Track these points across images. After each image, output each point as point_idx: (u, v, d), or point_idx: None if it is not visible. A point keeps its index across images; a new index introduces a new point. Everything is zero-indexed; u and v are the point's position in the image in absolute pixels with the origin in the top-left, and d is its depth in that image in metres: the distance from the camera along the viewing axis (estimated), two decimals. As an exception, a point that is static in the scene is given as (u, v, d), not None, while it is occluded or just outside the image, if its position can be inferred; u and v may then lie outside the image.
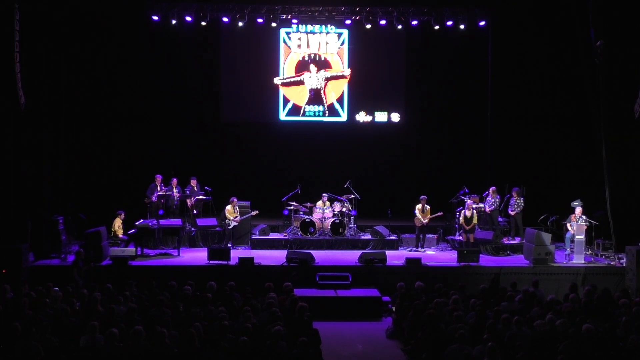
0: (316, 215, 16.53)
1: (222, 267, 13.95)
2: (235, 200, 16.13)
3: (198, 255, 15.04)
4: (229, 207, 16.00)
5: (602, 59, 15.17)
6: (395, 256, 14.98)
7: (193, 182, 16.70)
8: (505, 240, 16.21)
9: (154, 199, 16.00)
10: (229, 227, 15.96)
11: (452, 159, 19.56)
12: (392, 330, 11.56)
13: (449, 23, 18.33)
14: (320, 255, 14.95)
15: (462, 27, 18.31)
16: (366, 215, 17.56)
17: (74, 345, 8.24)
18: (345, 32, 19.36)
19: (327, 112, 19.60)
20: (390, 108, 19.77)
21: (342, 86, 19.60)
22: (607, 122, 15.53)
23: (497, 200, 16.21)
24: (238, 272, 13.63)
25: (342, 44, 19.45)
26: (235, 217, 16.01)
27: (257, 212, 16.36)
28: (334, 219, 16.38)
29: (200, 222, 16.19)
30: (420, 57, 19.67)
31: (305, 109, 19.56)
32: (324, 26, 19.27)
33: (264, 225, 17.05)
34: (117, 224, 15.62)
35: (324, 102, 19.52)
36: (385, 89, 19.89)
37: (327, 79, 19.51)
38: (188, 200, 16.51)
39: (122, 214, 15.71)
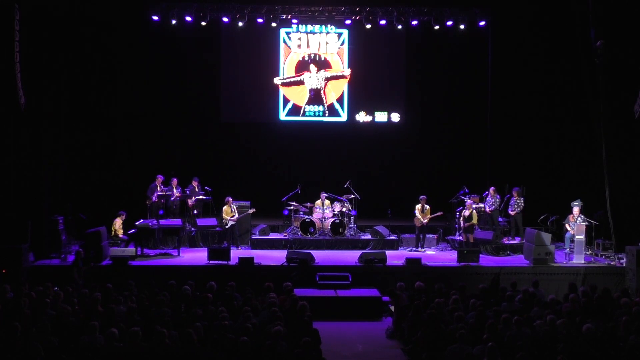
0: (316, 215, 16.53)
1: (222, 267, 13.95)
2: (230, 199, 16.03)
3: (198, 255, 15.04)
4: (225, 207, 15.95)
5: (602, 59, 15.17)
6: (395, 256, 14.98)
7: (195, 183, 16.70)
8: (505, 240, 16.22)
9: (154, 199, 15.99)
10: (226, 227, 15.94)
11: (452, 159, 19.56)
12: (392, 330, 11.56)
13: (449, 23, 18.34)
14: (320, 255, 14.95)
15: (462, 27, 18.31)
16: (366, 215, 17.56)
17: (74, 345, 8.24)
18: (345, 32, 19.36)
19: (327, 112, 19.60)
20: (390, 108, 19.77)
21: (342, 86, 19.60)
22: (607, 122, 15.53)
23: (497, 200, 16.22)
24: (238, 272, 13.63)
25: (342, 44, 19.45)
26: (233, 216, 15.99)
27: (254, 210, 16.34)
28: (334, 219, 16.38)
29: (200, 222, 16.19)
30: (420, 57, 19.67)
31: (305, 109, 19.56)
32: (324, 26, 19.26)
33: (264, 225, 17.05)
34: (118, 224, 15.62)
35: (324, 102, 19.53)
36: (385, 89, 19.89)
37: (327, 79, 19.50)
38: (188, 200, 16.51)
39: (124, 215, 15.70)
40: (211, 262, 14.08)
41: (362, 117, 19.65)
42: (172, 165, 17.15)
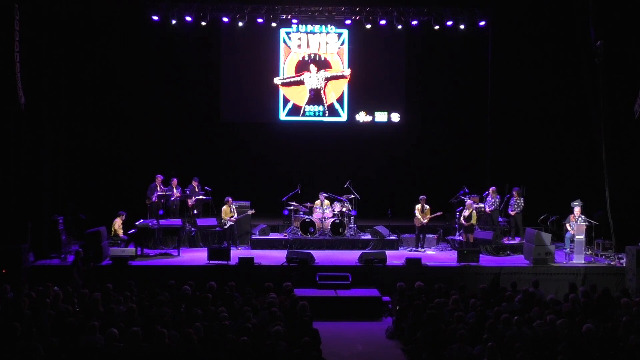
0: (316, 215, 16.52)
1: (222, 267, 13.95)
2: (230, 199, 16.05)
3: (198, 255, 15.04)
4: (224, 207, 15.96)
5: (602, 59, 15.17)
6: (395, 256, 14.98)
7: (194, 183, 16.70)
8: (505, 240, 16.22)
9: (154, 199, 15.99)
10: (225, 227, 15.94)
11: (452, 159, 19.56)
12: (392, 330, 11.57)
13: (449, 23, 18.33)
14: (320, 255, 14.95)
15: (462, 27, 18.31)
16: (366, 215, 17.55)
17: (74, 345, 8.24)
18: (345, 32, 19.36)
19: (327, 112, 19.60)
20: (390, 108, 19.77)
21: (342, 86, 19.60)
22: (607, 122, 15.53)
23: (497, 200, 16.21)
24: (238, 272, 13.63)
25: (342, 44, 19.45)
26: (232, 217, 15.98)
27: (253, 211, 16.35)
28: (334, 219, 16.38)
29: (200, 222, 16.19)
30: (420, 57, 19.67)
31: (305, 109, 19.56)
32: (324, 26, 19.27)
33: (264, 225, 17.05)
34: (118, 224, 15.61)
35: (324, 102, 19.52)
36: (385, 89, 19.89)
37: (327, 79, 19.51)
38: (188, 200, 16.51)
39: (124, 215, 15.68)
40: (211, 262, 14.08)
41: (362, 117, 19.65)
42: (172, 165, 17.14)
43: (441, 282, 12.05)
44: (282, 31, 19.29)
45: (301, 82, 19.50)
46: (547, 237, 14.57)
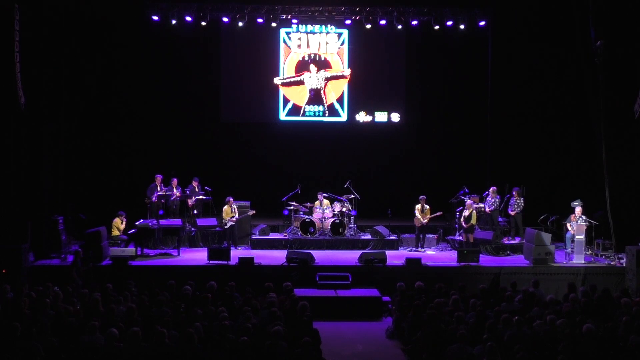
0: (316, 215, 16.53)
1: (222, 267, 13.95)
2: (231, 199, 16.06)
3: (198, 255, 15.04)
4: (225, 207, 15.96)
5: (602, 59, 15.17)
6: (395, 256, 14.98)
7: (195, 183, 16.71)
8: (505, 240, 16.22)
9: (154, 199, 15.99)
10: (225, 227, 15.94)
11: (452, 159, 19.56)
12: (392, 330, 11.56)
13: (449, 23, 18.34)
14: (320, 255, 14.95)
15: (462, 27, 18.32)
16: (366, 215, 17.55)
17: (74, 345, 8.24)
18: (345, 32, 19.36)
19: (327, 112, 19.60)
20: (390, 108, 19.77)
21: (342, 86, 19.60)
22: (607, 122, 15.53)
23: (497, 200, 16.21)
24: (238, 272, 13.64)
25: (342, 44, 19.45)
26: (232, 217, 15.98)
27: (254, 211, 16.36)
28: (334, 219, 16.38)
29: (200, 222, 16.20)
30: (420, 57, 19.67)
31: (305, 109, 19.56)
32: (324, 26, 19.27)
33: (264, 225, 17.05)
34: (117, 224, 15.61)
35: (324, 102, 19.53)
36: (385, 89, 19.89)
37: (327, 79, 19.51)
38: (188, 200, 16.51)
39: (123, 215, 15.67)
40: (211, 262, 14.08)
41: (362, 117, 19.65)
42: (172, 165, 17.13)
43: (441, 282, 12.06)
44: (282, 31, 19.29)
45: (301, 82, 19.50)
46: (547, 237, 14.56)
